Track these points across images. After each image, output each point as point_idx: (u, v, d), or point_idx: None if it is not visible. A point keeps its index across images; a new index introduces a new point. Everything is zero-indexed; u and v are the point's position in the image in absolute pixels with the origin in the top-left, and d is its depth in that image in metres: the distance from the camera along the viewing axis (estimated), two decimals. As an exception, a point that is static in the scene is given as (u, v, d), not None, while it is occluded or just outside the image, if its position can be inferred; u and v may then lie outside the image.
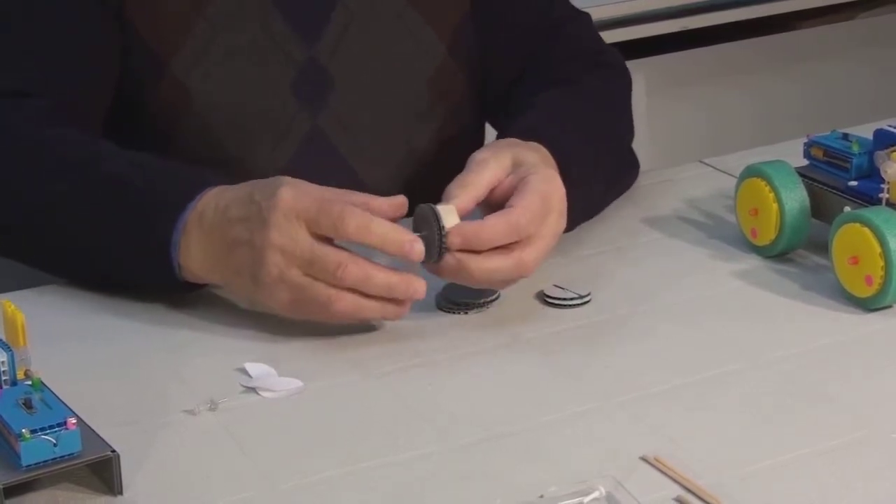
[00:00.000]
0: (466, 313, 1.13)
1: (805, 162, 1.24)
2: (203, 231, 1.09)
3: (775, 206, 1.19)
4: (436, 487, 0.90)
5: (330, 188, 1.07)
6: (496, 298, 1.14)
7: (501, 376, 1.04)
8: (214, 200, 1.09)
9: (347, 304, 1.05)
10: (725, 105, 2.60)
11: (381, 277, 1.04)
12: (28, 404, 0.89)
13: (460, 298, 1.13)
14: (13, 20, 1.25)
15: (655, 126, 2.37)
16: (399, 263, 1.06)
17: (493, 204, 1.12)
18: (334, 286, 1.04)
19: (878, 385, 1.02)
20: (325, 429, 0.97)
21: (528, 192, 1.09)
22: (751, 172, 1.22)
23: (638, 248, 1.25)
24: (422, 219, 1.08)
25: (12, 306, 0.93)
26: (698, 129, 2.56)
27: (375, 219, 1.04)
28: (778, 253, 1.21)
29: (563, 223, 1.13)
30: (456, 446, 0.95)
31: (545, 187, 1.10)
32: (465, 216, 1.08)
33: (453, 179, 1.11)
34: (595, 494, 0.87)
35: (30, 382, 0.91)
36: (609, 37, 1.49)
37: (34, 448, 0.86)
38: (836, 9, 2.60)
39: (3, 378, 0.91)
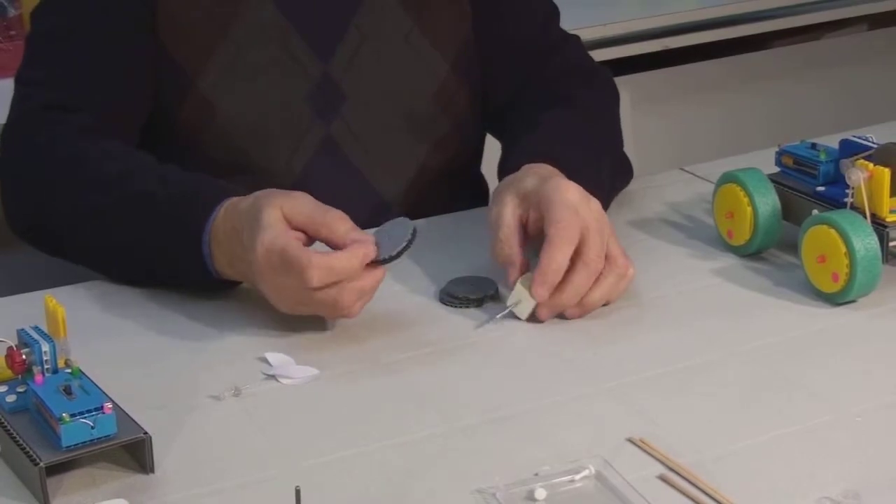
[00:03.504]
0: (467, 307, 1.13)
1: (776, 169, 1.24)
2: (220, 248, 1.09)
3: (749, 209, 1.19)
4: (441, 465, 0.90)
5: (302, 209, 1.05)
6: (494, 293, 1.14)
7: (500, 364, 1.04)
8: (223, 224, 1.08)
9: (357, 309, 1.06)
10: (703, 117, 2.60)
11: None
12: (68, 390, 0.89)
13: (461, 293, 1.13)
14: (62, 40, 1.25)
15: (639, 137, 2.37)
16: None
17: (532, 238, 1.12)
18: (341, 309, 1.05)
19: (844, 372, 1.02)
20: (339, 412, 0.97)
21: (553, 209, 1.07)
22: (727, 179, 1.22)
23: (625, 249, 1.25)
24: (399, 227, 1.07)
25: (54, 301, 0.94)
26: (678, 139, 2.56)
27: (332, 258, 1.02)
28: (752, 252, 1.21)
29: (595, 205, 1.10)
30: (458, 428, 0.95)
31: (558, 197, 1.08)
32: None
33: (493, 245, 1.11)
34: (585, 473, 0.87)
35: (70, 370, 0.91)
36: (596, 56, 1.49)
37: (73, 430, 0.86)
38: (804, 30, 2.59)
39: (46, 366, 0.91)
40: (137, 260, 1.15)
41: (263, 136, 1.28)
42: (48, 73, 1.24)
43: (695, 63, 2.51)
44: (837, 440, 0.92)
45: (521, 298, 1.09)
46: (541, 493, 0.85)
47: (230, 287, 1.13)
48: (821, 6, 2.52)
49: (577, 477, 0.87)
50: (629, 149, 1.37)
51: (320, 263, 1.01)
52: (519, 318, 1.09)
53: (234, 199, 1.10)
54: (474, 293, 1.13)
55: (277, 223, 1.04)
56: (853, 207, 1.13)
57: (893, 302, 1.12)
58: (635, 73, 2.41)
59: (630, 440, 0.92)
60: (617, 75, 1.45)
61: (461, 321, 1.11)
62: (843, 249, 1.09)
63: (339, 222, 1.05)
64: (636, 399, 0.98)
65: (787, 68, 2.66)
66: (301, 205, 1.05)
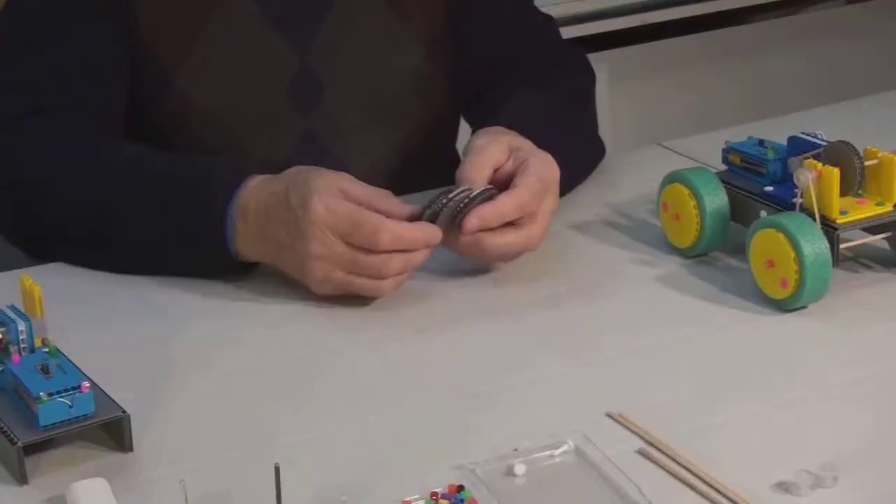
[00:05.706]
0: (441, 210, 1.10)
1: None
2: (248, 226, 1.09)
3: (696, 210, 1.14)
4: (420, 441, 0.91)
5: (357, 186, 1.09)
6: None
7: (479, 340, 1.05)
8: (255, 196, 1.09)
9: (390, 286, 1.08)
10: (681, 93, 2.60)
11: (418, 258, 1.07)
12: (45, 369, 0.89)
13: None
14: (28, 42, 1.23)
15: (616, 113, 2.37)
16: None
17: (495, 184, 1.13)
18: (379, 279, 1.06)
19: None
20: (318, 390, 0.98)
21: (528, 173, 1.11)
22: (673, 178, 1.17)
23: (599, 224, 1.25)
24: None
25: (30, 280, 0.94)
26: (655, 115, 2.57)
27: (403, 226, 1.06)
28: (698, 254, 1.16)
29: (556, 202, 1.14)
30: (438, 404, 0.95)
31: (542, 169, 1.12)
32: None
33: (462, 164, 1.13)
34: (564, 448, 0.88)
35: (47, 349, 0.91)
36: (574, 31, 1.49)
37: (51, 409, 0.86)
38: (783, 4, 2.60)
39: (23, 346, 0.91)
40: (148, 249, 1.14)
41: (242, 130, 1.27)
42: (23, 76, 1.22)
43: (672, 38, 2.51)
44: (816, 413, 0.93)
45: None
46: (520, 469, 0.85)
47: (243, 271, 1.13)
48: (799, -20, 2.53)
49: (557, 452, 0.87)
50: (605, 125, 1.38)
51: (393, 227, 1.05)
52: None
53: (262, 177, 1.11)
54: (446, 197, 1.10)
55: (335, 188, 1.07)
56: (803, 209, 1.07)
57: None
58: (613, 48, 2.41)
59: (609, 415, 0.92)
60: (594, 51, 1.45)
61: (441, 299, 1.11)
62: (792, 254, 1.03)
63: (396, 207, 1.08)
64: (615, 374, 0.98)
65: (765, 43, 2.66)
66: (356, 182, 1.09)
